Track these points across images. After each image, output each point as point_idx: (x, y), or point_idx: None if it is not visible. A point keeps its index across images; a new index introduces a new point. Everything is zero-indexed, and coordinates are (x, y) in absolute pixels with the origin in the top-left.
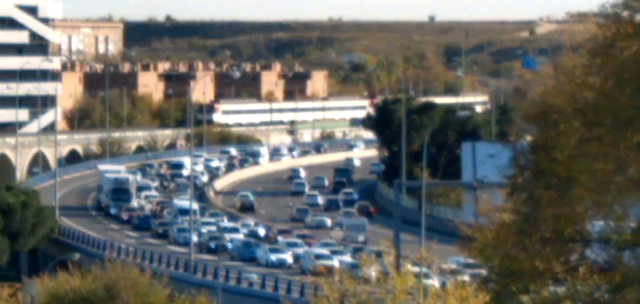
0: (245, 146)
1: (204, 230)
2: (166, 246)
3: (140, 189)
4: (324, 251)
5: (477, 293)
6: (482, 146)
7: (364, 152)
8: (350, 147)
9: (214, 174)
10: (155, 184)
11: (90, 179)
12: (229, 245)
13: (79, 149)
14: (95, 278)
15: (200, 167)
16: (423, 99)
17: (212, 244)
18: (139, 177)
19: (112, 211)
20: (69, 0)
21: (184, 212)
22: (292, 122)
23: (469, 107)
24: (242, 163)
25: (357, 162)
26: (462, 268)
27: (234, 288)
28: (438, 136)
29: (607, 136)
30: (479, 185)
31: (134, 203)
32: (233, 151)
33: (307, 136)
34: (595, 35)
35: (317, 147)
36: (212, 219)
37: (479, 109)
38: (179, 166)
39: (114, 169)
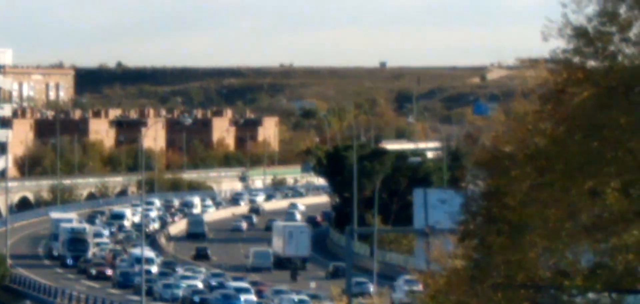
0: (200, 193)
1: (183, 284)
2: (150, 302)
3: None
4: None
5: None
6: (434, 192)
7: (313, 198)
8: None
9: (164, 221)
10: (107, 232)
11: (41, 227)
12: (211, 298)
13: (30, 196)
14: None
15: (152, 214)
16: (383, 145)
17: (196, 298)
18: (88, 225)
19: (69, 261)
20: (20, 47)
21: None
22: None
23: (420, 153)
24: (175, 214)
25: (301, 207)
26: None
27: None
28: (390, 182)
29: (558, 182)
30: (431, 231)
31: (90, 253)
32: (175, 201)
33: (258, 182)
34: (546, 81)
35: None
36: (190, 273)
37: (430, 155)
38: (120, 216)
39: (66, 218)
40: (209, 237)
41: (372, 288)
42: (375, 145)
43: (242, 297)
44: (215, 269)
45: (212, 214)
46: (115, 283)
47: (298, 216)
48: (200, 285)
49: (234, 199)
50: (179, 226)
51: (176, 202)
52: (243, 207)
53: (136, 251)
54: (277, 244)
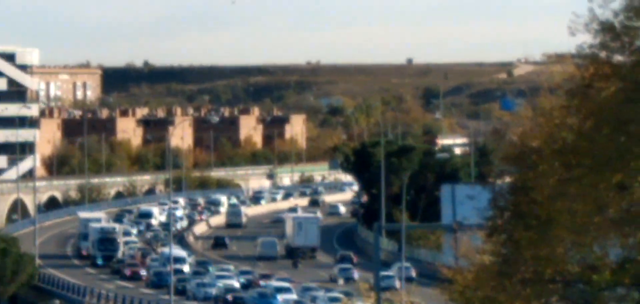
0: (226, 191)
1: (220, 283)
2: (183, 302)
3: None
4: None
5: None
6: (462, 188)
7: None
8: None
9: (192, 219)
10: (135, 230)
11: (69, 226)
12: (245, 297)
13: (58, 196)
14: None
15: (179, 213)
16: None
17: (229, 297)
18: (117, 225)
19: (99, 261)
20: (47, 47)
21: (174, 260)
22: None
23: (448, 149)
24: (202, 212)
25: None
26: None
27: None
28: (417, 179)
29: (586, 177)
30: (459, 227)
31: (120, 253)
32: (199, 199)
33: (286, 180)
34: (573, 76)
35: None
36: (226, 273)
37: (458, 151)
38: (148, 214)
39: (95, 218)
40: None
41: (397, 283)
42: (428, 142)
43: (281, 297)
44: (243, 266)
45: (263, 207)
46: (148, 283)
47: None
48: (236, 284)
49: (255, 198)
50: (210, 222)
51: (201, 201)
52: (301, 201)
53: (166, 250)
54: (289, 235)
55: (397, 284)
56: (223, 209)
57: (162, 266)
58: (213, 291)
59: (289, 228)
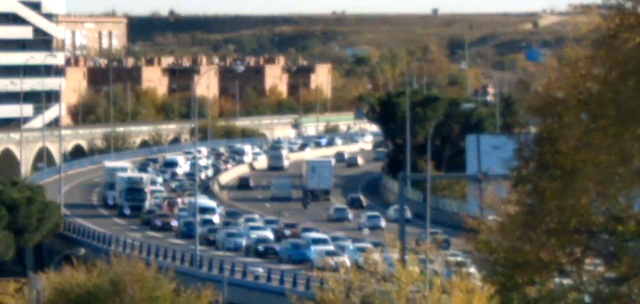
0: (250, 140)
1: (253, 234)
2: (212, 252)
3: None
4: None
5: (483, 285)
6: (487, 138)
7: (368, 144)
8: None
9: (217, 169)
10: (160, 179)
11: (94, 175)
12: (278, 248)
13: (84, 144)
14: (100, 273)
15: (203, 162)
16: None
17: (261, 248)
18: (144, 175)
19: (126, 211)
20: None
21: (203, 210)
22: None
23: (474, 99)
24: (227, 161)
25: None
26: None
27: (240, 282)
28: (442, 129)
29: (611, 128)
30: (484, 177)
31: (147, 203)
32: (221, 149)
33: (311, 129)
34: (598, 27)
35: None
36: (260, 224)
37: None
38: (173, 164)
39: (121, 167)
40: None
41: (383, 222)
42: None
43: (315, 247)
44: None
45: (311, 152)
46: (178, 233)
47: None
48: (270, 235)
49: (274, 148)
50: (230, 174)
51: (222, 150)
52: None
53: (199, 200)
54: (304, 178)
55: (383, 223)
56: (247, 158)
57: (192, 216)
58: (243, 242)
59: (304, 172)
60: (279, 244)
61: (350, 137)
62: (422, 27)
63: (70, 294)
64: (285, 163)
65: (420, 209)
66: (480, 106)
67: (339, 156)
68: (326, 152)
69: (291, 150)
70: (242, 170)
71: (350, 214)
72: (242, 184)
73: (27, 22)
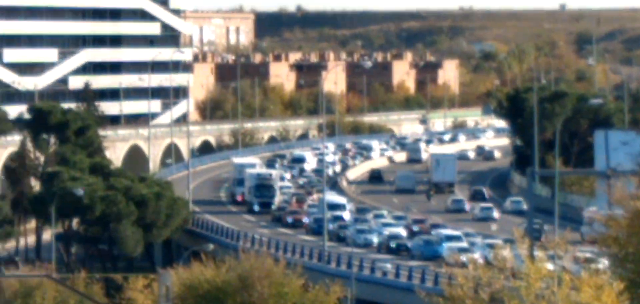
0: (377, 136)
1: (385, 231)
2: (342, 248)
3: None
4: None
5: (612, 281)
6: (615, 134)
7: (493, 140)
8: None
9: (345, 164)
10: (288, 175)
11: (222, 170)
12: (410, 244)
13: (211, 140)
14: (229, 269)
15: (329, 159)
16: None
17: (393, 244)
18: (274, 171)
19: (255, 208)
20: None
21: (334, 207)
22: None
23: (602, 95)
24: (355, 157)
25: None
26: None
27: (368, 278)
28: (570, 124)
29: None
30: (613, 173)
31: (277, 200)
32: (347, 145)
33: (439, 125)
34: None
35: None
36: (389, 220)
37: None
38: (301, 159)
39: (249, 163)
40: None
41: (496, 214)
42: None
43: (448, 245)
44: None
45: (446, 146)
46: (308, 229)
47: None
48: (402, 232)
49: (401, 143)
50: (358, 170)
51: (348, 146)
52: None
53: (328, 197)
54: (429, 171)
55: (496, 215)
56: (374, 154)
57: (322, 212)
58: (374, 238)
59: (430, 165)
60: (411, 241)
61: (472, 133)
62: (550, 23)
63: (198, 289)
64: (423, 156)
65: (548, 205)
66: (610, 102)
67: (479, 150)
68: (465, 147)
69: (403, 148)
70: (370, 166)
71: (468, 206)
72: (374, 176)
73: (155, 18)
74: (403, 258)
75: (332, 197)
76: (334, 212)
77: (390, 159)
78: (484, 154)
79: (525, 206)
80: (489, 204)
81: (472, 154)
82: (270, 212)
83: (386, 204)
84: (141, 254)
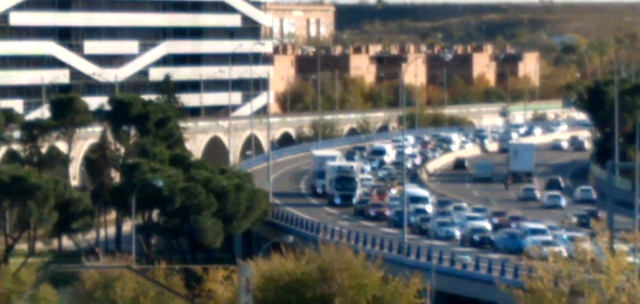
0: (458, 128)
1: (469, 225)
2: (424, 241)
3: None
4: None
5: None
6: None
7: (567, 133)
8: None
9: (425, 157)
10: (368, 168)
11: (302, 163)
12: (494, 238)
13: (291, 132)
14: (309, 260)
15: (410, 150)
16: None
17: (476, 237)
18: (355, 164)
19: (337, 201)
20: None
21: (416, 199)
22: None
23: None
24: (435, 150)
25: (564, 145)
26: None
27: (448, 270)
28: None
29: None
30: None
31: (358, 192)
32: (426, 137)
33: (518, 117)
34: None
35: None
36: (476, 214)
37: None
38: (381, 152)
39: (330, 155)
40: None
41: (563, 201)
42: None
43: (532, 238)
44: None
45: (536, 137)
46: (390, 222)
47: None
48: (487, 225)
49: (479, 136)
50: (439, 162)
51: (427, 138)
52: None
53: (410, 189)
54: (509, 160)
55: (563, 202)
56: (454, 146)
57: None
58: (456, 231)
59: (508, 155)
60: (495, 234)
61: (547, 126)
62: (631, 15)
63: (278, 281)
64: None
65: (628, 198)
66: None
67: (573, 140)
68: (559, 137)
69: (494, 139)
70: (449, 158)
71: (539, 194)
72: (458, 165)
73: (235, 10)
74: (485, 251)
75: (414, 190)
76: (416, 205)
77: (482, 148)
78: (575, 145)
79: (594, 195)
80: (557, 192)
81: (565, 145)
82: (352, 205)
83: (466, 197)
84: (221, 246)
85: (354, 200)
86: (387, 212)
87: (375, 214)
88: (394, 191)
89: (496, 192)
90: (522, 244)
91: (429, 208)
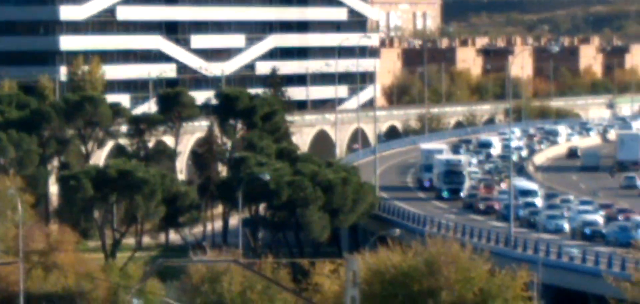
0: (565, 121)
1: (579, 218)
2: (532, 234)
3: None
4: None
5: None
6: None
7: None
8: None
9: (532, 149)
10: (475, 160)
11: (409, 155)
12: (605, 231)
13: (398, 125)
14: (415, 254)
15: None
16: None
17: (587, 231)
18: (463, 157)
19: (444, 194)
20: None
21: (525, 193)
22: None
23: None
24: (541, 142)
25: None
26: None
27: (555, 262)
28: None
29: None
30: None
31: (466, 186)
32: (531, 130)
33: (626, 110)
34: None
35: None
36: (587, 207)
37: None
38: (487, 144)
39: (437, 149)
40: None
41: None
42: None
43: None
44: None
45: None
46: (499, 216)
47: None
48: (598, 219)
49: (585, 128)
50: (546, 154)
51: (532, 131)
52: None
53: (519, 183)
54: (615, 150)
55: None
56: (560, 139)
57: (514, 199)
58: (565, 224)
59: (616, 145)
60: (606, 228)
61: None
62: None
63: (385, 274)
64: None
65: None
66: None
67: None
68: None
69: (598, 131)
70: (556, 151)
71: (639, 181)
72: (571, 154)
73: (342, 3)
74: (595, 245)
75: (524, 183)
76: (525, 198)
77: (604, 137)
78: None
79: None
80: (632, 174)
81: None
82: (460, 198)
83: (573, 189)
84: (328, 240)
85: (462, 194)
86: (497, 206)
87: (485, 208)
88: (503, 186)
89: (600, 181)
90: (634, 237)
91: (539, 201)
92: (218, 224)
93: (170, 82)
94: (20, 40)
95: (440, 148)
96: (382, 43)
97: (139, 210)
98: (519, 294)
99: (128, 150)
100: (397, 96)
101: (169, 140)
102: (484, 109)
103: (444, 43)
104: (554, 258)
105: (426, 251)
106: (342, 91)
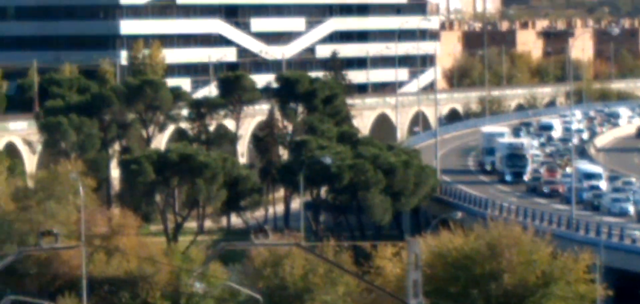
0: (626, 103)
1: None
2: (596, 217)
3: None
4: None
5: None
6: None
7: None
8: None
9: (593, 131)
10: (536, 143)
11: (469, 139)
12: None
13: (459, 108)
14: (477, 237)
15: (576, 126)
16: None
17: None
18: (526, 140)
19: (508, 178)
20: None
21: (590, 176)
22: None
23: None
24: (602, 124)
25: None
26: None
27: (617, 245)
28: None
29: None
30: None
31: (529, 169)
32: (592, 112)
33: None
34: None
35: None
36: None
37: None
38: (548, 127)
39: (498, 132)
40: None
41: None
42: None
43: None
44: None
45: None
46: (563, 199)
47: None
48: None
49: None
50: (607, 137)
51: (592, 114)
52: None
53: (582, 165)
54: None
55: None
56: (622, 121)
57: (578, 182)
58: (630, 207)
59: None
60: None
61: None
62: None
63: (447, 257)
64: None
65: None
66: None
67: None
68: None
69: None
70: (617, 133)
71: None
72: None
73: None
74: None
75: (588, 166)
76: (590, 181)
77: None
78: None
79: None
80: None
81: None
82: (523, 181)
83: (635, 172)
84: (389, 223)
85: (525, 177)
86: (561, 190)
87: (549, 191)
88: (568, 170)
89: None
90: None
91: (603, 184)
92: (280, 208)
93: (231, 66)
94: (80, 25)
95: (501, 131)
96: (442, 26)
97: (201, 194)
98: (582, 277)
99: (189, 134)
100: (458, 78)
101: (229, 124)
102: (544, 92)
103: (504, 26)
104: (616, 241)
105: (488, 233)
106: (402, 74)
